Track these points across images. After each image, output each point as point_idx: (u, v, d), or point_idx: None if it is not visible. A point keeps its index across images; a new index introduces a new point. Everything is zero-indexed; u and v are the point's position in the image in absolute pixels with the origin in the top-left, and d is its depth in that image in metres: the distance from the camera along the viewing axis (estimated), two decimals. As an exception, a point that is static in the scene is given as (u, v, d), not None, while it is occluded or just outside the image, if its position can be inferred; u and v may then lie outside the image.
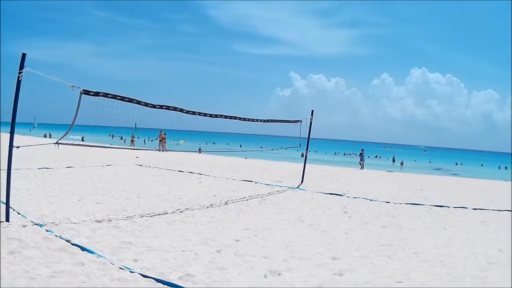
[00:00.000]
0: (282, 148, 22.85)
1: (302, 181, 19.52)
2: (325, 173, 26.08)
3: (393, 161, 76.52)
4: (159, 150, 31.69)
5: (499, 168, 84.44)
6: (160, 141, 40.18)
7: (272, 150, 25.10)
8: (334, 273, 7.00)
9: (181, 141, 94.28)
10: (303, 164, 21.00)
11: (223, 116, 14.82)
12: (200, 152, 37.56)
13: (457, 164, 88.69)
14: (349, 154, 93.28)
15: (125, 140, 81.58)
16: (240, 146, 79.26)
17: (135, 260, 6.92)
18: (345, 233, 10.08)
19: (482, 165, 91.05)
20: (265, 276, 6.69)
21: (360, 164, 42.16)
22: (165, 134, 40.06)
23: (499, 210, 14.80)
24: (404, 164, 69.62)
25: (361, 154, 43.57)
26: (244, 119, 16.05)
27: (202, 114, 13.71)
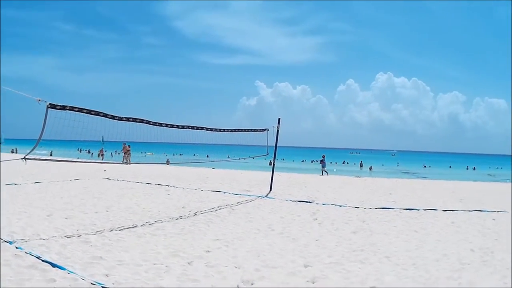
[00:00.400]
0: (249, 157, 22.85)
1: (270, 190, 19.54)
2: (293, 181, 26.14)
3: (361, 166, 77.02)
4: (123, 163, 31.45)
5: (467, 169, 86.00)
6: (124, 153, 39.88)
7: (239, 159, 25.02)
8: (307, 281, 7.00)
9: (148, 153, 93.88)
10: (271, 172, 21.05)
11: (190, 127, 14.80)
12: (168, 164, 37.26)
13: (425, 166, 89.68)
14: (316, 161, 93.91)
15: (92, 153, 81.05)
16: (207, 156, 79.04)
17: (107, 275, 6.82)
18: (316, 240, 10.11)
19: (450, 166, 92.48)
20: (237, 287, 6.66)
21: (322, 171, 42.19)
22: (129, 146, 39.74)
23: (469, 211, 15.05)
24: (372, 169, 70.18)
25: (322, 161, 43.64)
26: (211, 130, 16.04)
27: (169, 126, 13.68)
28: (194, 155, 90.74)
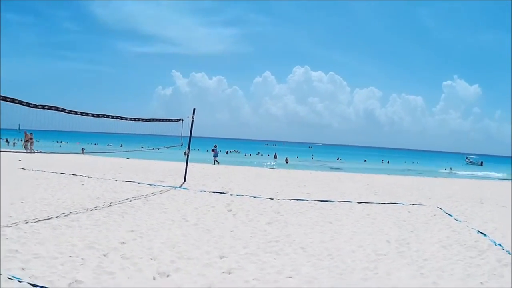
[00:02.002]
0: (164, 147, 22.70)
1: (184, 180, 19.61)
2: (207, 172, 26.22)
3: (275, 157, 77.84)
4: (26, 151, 30.55)
5: (382, 162, 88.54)
6: (25, 141, 38.77)
7: (153, 149, 24.83)
8: (223, 272, 7.11)
9: (63, 142, 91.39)
10: (185, 163, 21.06)
11: (105, 116, 14.57)
12: (83, 153, 36.51)
13: (339, 159, 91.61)
14: (231, 152, 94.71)
15: (9, 142, 78.02)
16: (121, 146, 77.86)
17: (23, 269, 6.65)
18: (231, 231, 10.26)
19: (365, 160, 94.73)
20: (154, 279, 6.68)
21: (214, 160, 42.31)
22: (31, 134, 38.68)
23: (384, 203, 15.62)
24: (289, 161, 71.04)
25: (213, 150, 43.77)
26: (126, 119, 15.86)
27: (83, 114, 13.39)
28: (108, 145, 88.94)
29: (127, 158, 37.94)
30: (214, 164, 40.04)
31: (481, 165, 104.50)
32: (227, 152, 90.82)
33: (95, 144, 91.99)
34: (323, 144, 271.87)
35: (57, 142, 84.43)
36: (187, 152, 20.89)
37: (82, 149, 55.94)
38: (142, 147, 44.40)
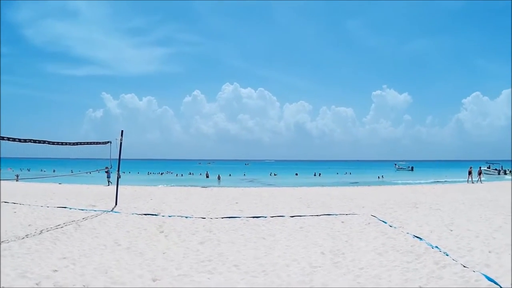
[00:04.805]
0: (96, 170, 22.23)
1: (116, 204, 19.26)
2: (139, 194, 25.89)
3: (207, 176, 77.84)
4: None
5: (314, 175, 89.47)
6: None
7: (87, 173, 24.30)
8: (156, 295, 6.92)
9: None
10: (115, 186, 20.72)
11: (32, 141, 14.15)
12: (17, 180, 35.47)
13: (272, 175, 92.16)
14: (167, 173, 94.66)
15: None
16: (54, 171, 76.17)
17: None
18: (163, 253, 10.10)
19: (296, 174, 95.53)
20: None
21: (108, 181, 41.89)
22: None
23: (317, 215, 15.69)
24: (221, 178, 70.93)
25: (107, 171, 43.49)
26: (53, 143, 15.45)
27: (10, 139, 12.97)
28: (41, 170, 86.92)
29: (60, 184, 37.21)
30: (108, 185, 39.62)
31: (412, 170, 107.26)
32: (161, 174, 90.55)
33: (28, 170, 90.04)
34: (259, 160, 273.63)
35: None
36: (116, 175, 20.51)
37: (17, 176, 54.49)
38: (72, 172, 43.60)
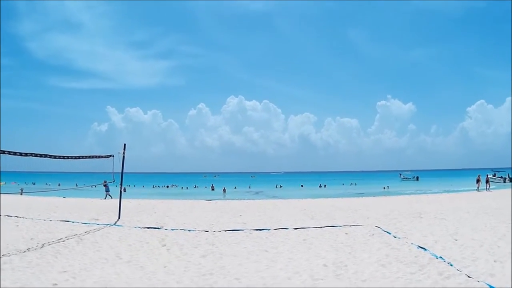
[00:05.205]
0: (90, 186, 22.21)
1: (119, 217, 19.21)
2: (142, 207, 25.82)
3: (212, 189, 77.86)
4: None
5: (320, 186, 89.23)
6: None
7: (91, 186, 24.28)
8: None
9: (1, 183, 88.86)
10: (114, 199, 20.67)
11: (33, 155, 14.12)
12: (21, 194, 35.55)
13: (278, 186, 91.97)
14: (172, 186, 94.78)
15: None
16: (59, 185, 76.31)
17: None
18: (164, 266, 10.04)
19: (302, 185, 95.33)
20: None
21: (106, 195, 41.79)
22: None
23: (320, 227, 15.57)
24: (226, 191, 70.87)
25: (105, 185, 43.35)
26: (54, 157, 15.41)
27: (11, 153, 12.94)
28: (46, 184, 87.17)
29: (64, 197, 37.21)
30: (106, 198, 39.57)
31: (417, 180, 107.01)
32: (166, 187, 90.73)
33: (33, 184, 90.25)
34: (265, 173, 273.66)
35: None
36: (120, 188, 20.45)
37: (21, 190, 54.64)
38: (76, 185, 43.65)
